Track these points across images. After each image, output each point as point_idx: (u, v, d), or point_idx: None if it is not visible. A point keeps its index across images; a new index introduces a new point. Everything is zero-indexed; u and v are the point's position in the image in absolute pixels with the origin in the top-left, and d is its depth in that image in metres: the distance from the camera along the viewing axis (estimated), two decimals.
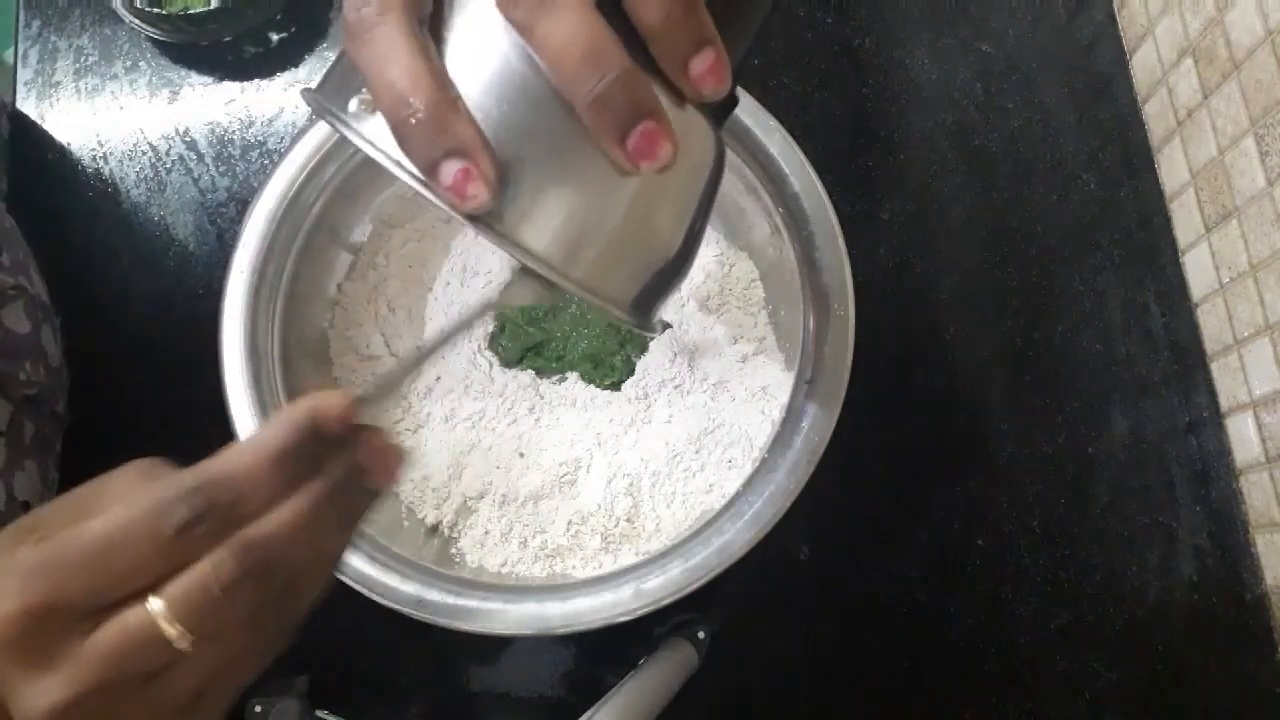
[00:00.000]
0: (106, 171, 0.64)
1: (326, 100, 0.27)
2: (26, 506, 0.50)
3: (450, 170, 0.24)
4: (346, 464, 0.25)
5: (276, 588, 0.24)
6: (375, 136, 0.26)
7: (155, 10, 0.62)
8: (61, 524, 0.23)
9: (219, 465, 0.24)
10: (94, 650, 0.22)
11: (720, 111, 0.31)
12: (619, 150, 0.25)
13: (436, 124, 0.24)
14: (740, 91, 0.50)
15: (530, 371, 0.55)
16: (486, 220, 0.25)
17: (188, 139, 0.64)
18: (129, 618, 0.22)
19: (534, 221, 0.26)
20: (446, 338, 0.31)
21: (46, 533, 0.23)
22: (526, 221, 0.26)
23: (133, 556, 0.22)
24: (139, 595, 0.22)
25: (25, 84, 0.66)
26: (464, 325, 0.33)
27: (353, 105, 0.26)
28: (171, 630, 0.22)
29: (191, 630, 0.22)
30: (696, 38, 0.26)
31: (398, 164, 0.25)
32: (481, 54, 0.25)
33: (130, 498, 0.23)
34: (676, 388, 0.54)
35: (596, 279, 0.28)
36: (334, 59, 0.28)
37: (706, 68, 0.26)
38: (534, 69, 0.25)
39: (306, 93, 0.28)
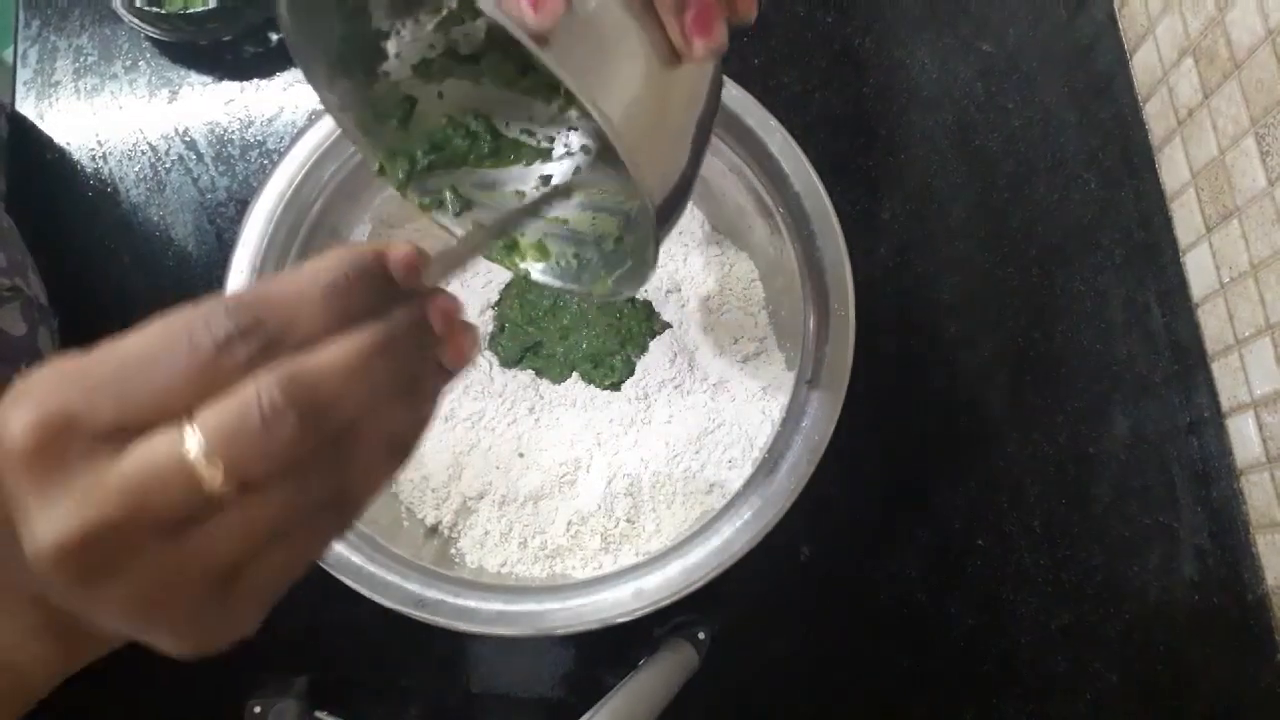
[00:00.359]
0: (106, 171, 0.64)
1: None
2: None
3: None
4: (412, 316, 0.22)
5: (326, 436, 0.20)
6: None
7: (155, 10, 0.62)
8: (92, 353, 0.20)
9: (268, 286, 0.21)
10: (114, 477, 0.19)
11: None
12: (677, 22, 0.26)
13: None
14: (740, 91, 0.50)
15: (530, 371, 0.55)
16: (552, 49, 0.25)
17: (187, 139, 0.64)
18: (157, 444, 0.19)
19: (595, 69, 0.26)
20: (535, 206, 0.30)
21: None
22: (589, 66, 0.26)
23: (168, 371, 0.19)
24: (172, 420, 0.19)
25: (25, 84, 0.66)
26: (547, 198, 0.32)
27: None
28: (205, 463, 0.19)
29: (229, 467, 0.19)
30: None
31: None
32: None
33: (170, 316, 0.20)
34: (676, 388, 0.54)
35: (643, 153, 0.28)
36: None
37: (695, 17, 0.27)
38: None
39: None
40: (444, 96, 0.40)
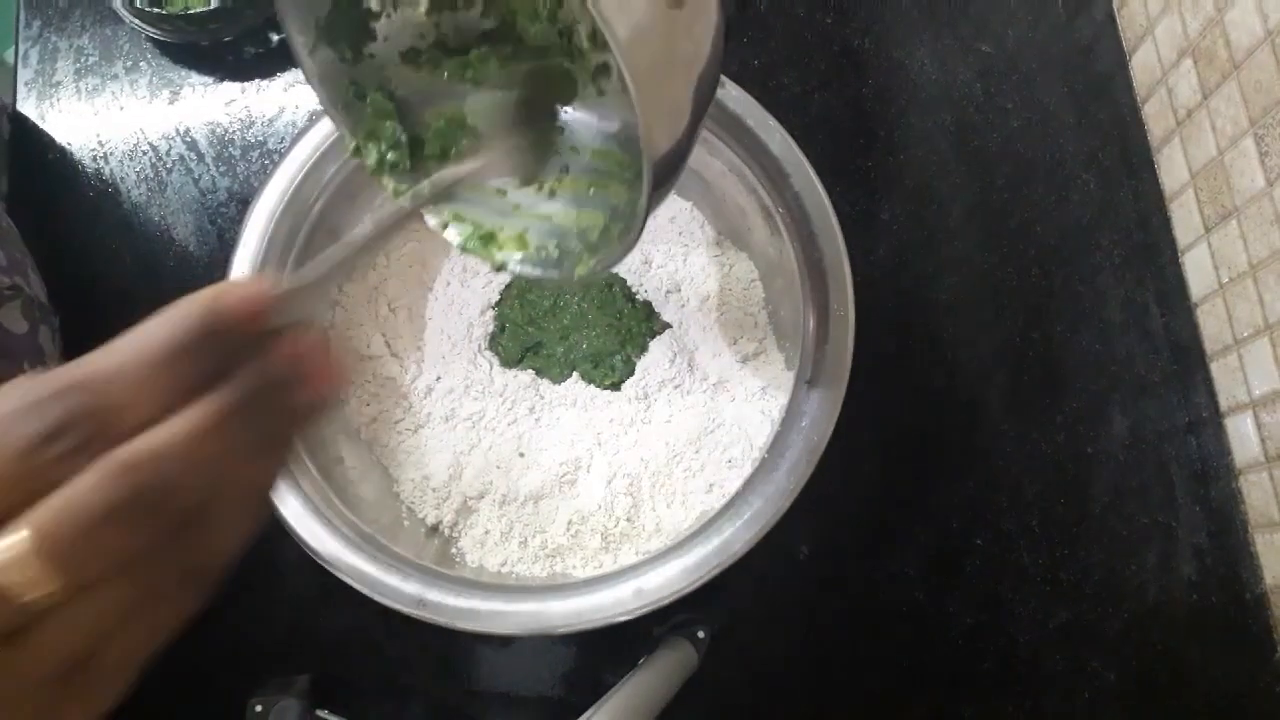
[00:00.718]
0: (107, 171, 0.64)
1: None
2: None
3: None
4: (261, 371, 0.20)
5: (172, 521, 0.18)
6: None
7: (155, 10, 0.62)
8: None
9: (91, 364, 0.18)
10: None
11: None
12: None
13: None
14: (740, 92, 0.51)
15: (530, 371, 0.56)
16: None
17: (188, 139, 0.65)
18: None
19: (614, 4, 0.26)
20: (381, 230, 0.30)
21: None
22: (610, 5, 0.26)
23: None
24: None
25: (26, 84, 0.66)
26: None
27: None
28: (32, 572, 0.17)
29: (60, 571, 0.17)
30: None
31: None
32: None
33: None
34: (676, 388, 0.54)
35: (647, 86, 0.28)
36: None
37: None
38: None
39: None
40: (428, 96, 0.39)
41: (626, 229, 0.35)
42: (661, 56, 0.29)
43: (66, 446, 0.17)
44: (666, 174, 0.31)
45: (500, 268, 0.39)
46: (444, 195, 0.39)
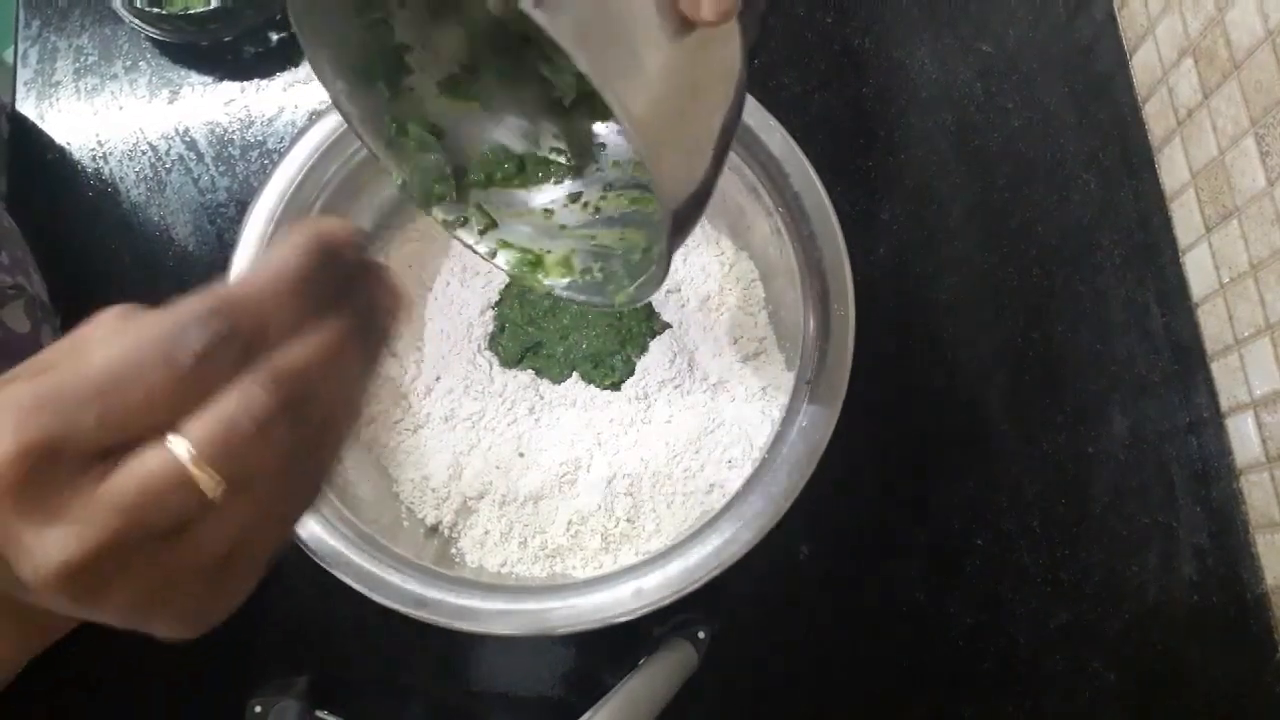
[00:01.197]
0: (106, 171, 0.64)
1: None
2: None
3: None
4: (365, 296, 0.23)
5: (310, 427, 0.21)
6: None
7: (155, 10, 0.62)
8: (46, 370, 0.20)
9: (236, 289, 0.20)
10: (110, 496, 0.19)
11: (749, 52, 0.31)
12: None
13: None
14: None
15: (530, 371, 0.55)
16: (552, 11, 0.24)
17: (188, 139, 0.64)
18: (149, 459, 0.19)
19: (609, 58, 0.25)
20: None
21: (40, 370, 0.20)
22: (603, 57, 0.25)
23: (147, 386, 0.19)
24: (157, 434, 0.19)
25: (25, 84, 0.66)
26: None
27: None
28: (200, 474, 0.19)
29: (222, 474, 0.19)
30: None
31: None
32: None
33: (135, 326, 0.20)
34: (676, 388, 0.54)
35: (660, 147, 0.27)
36: None
37: None
38: None
39: None
40: (467, 123, 0.39)
41: (660, 267, 0.35)
42: (678, 116, 0.28)
43: (227, 358, 0.19)
44: (688, 215, 0.30)
45: (548, 293, 0.39)
46: (489, 223, 0.39)
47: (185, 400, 0.19)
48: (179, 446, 0.19)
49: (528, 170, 0.40)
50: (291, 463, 0.20)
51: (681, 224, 0.30)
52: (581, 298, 0.39)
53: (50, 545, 0.19)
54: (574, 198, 0.40)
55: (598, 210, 0.40)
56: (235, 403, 0.19)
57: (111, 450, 0.19)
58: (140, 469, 0.19)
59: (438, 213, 0.39)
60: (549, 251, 0.39)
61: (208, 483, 0.19)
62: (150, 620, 0.21)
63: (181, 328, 0.19)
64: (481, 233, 0.39)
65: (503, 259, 0.40)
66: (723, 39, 0.28)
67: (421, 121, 0.38)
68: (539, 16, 0.24)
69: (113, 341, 0.19)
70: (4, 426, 0.18)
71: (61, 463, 0.19)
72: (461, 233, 0.40)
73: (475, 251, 0.40)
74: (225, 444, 0.19)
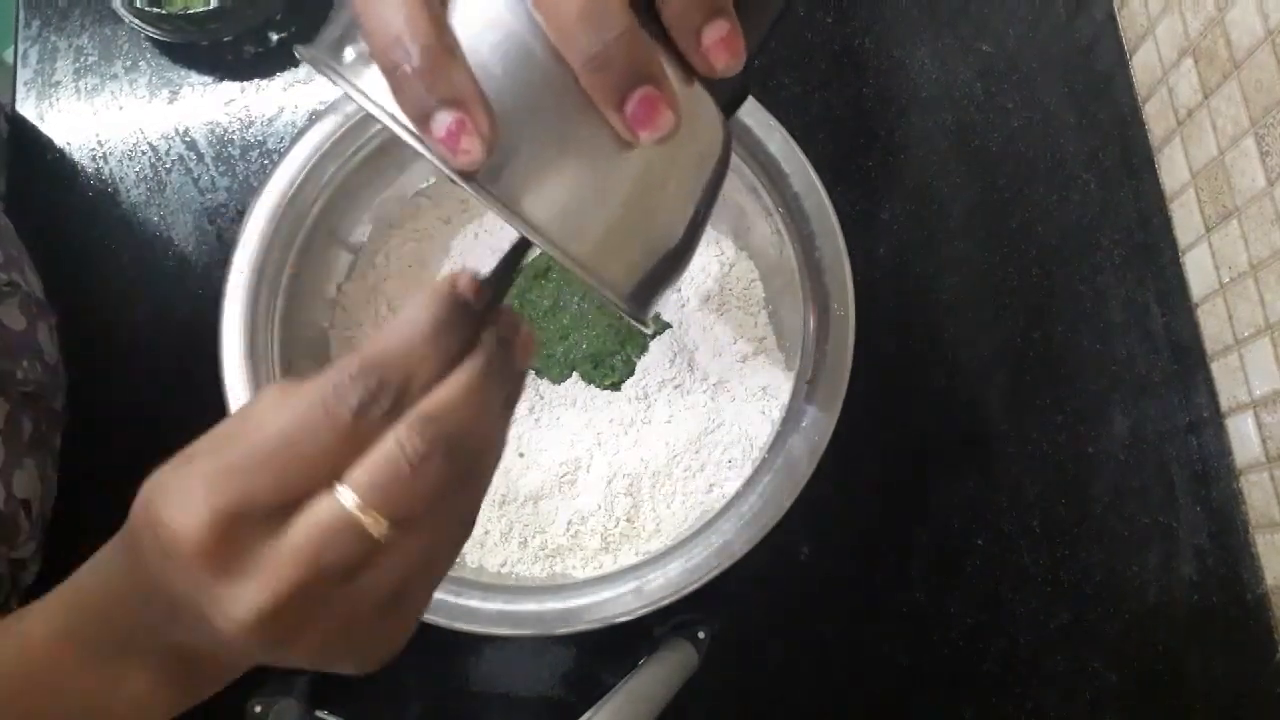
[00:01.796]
0: (106, 171, 0.64)
1: (321, 53, 0.26)
2: (26, 504, 0.50)
3: (443, 122, 0.23)
4: (495, 337, 0.24)
5: (462, 465, 0.23)
6: (370, 88, 0.24)
7: (155, 10, 0.62)
8: (223, 445, 0.22)
9: (380, 346, 0.23)
10: (290, 549, 0.21)
11: (730, 101, 0.30)
12: (617, 116, 0.24)
13: (431, 71, 0.23)
14: None
15: (530, 371, 0.55)
16: (480, 181, 0.24)
17: (187, 139, 0.64)
18: (320, 510, 0.21)
19: (533, 190, 0.25)
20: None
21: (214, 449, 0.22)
22: (525, 189, 0.24)
23: (315, 446, 0.21)
24: (326, 486, 0.22)
25: (25, 84, 0.66)
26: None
27: (349, 55, 0.25)
28: (366, 518, 0.21)
29: (386, 515, 0.21)
30: (712, 6, 0.25)
31: (391, 116, 0.24)
32: (483, 9, 0.24)
33: (294, 397, 0.22)
34: (676, 388, 0.54)
35: (596, 258, 0.26)
36: (332, 12, 0.27)
37: (720, 38, 0.25)
38: (534, 27, 0.24)
39: (299, 47, 0.27)
40: None
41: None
42: (631, 221, 0.27)
43: (381, 411, 0.22)
44: (661, 279, 0.29)
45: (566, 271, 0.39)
46: None
47: (348, 453, 0.22)
48: (345, 496, 0.21)
49: None
50: (446, 500, 0.22)
51: (653, 287, 0.29)
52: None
53: (242, 599, 0.21)
54: None
55: None
56: (391, 449, 0.22)
57: (288, 506, 0.22)
58: (313, 521, 0.21)
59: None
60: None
61: (373, 525, 0.21)
62: (335, 659, 0.23)
63: (337, 390, 0.22)
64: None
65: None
66: (691, 117, 0.27)
67: None
68: (466, 189, 0.24)
69: (280, 411, 0.22)
70: (197, 498, 0.21)
71: (247, 524, 0.21)
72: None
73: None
74: (386, 488, 0.21)
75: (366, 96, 0.24)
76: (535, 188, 0.25)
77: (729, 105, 0.30)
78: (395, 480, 0.21)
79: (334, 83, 0.25)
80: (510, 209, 0.24)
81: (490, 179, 0.24)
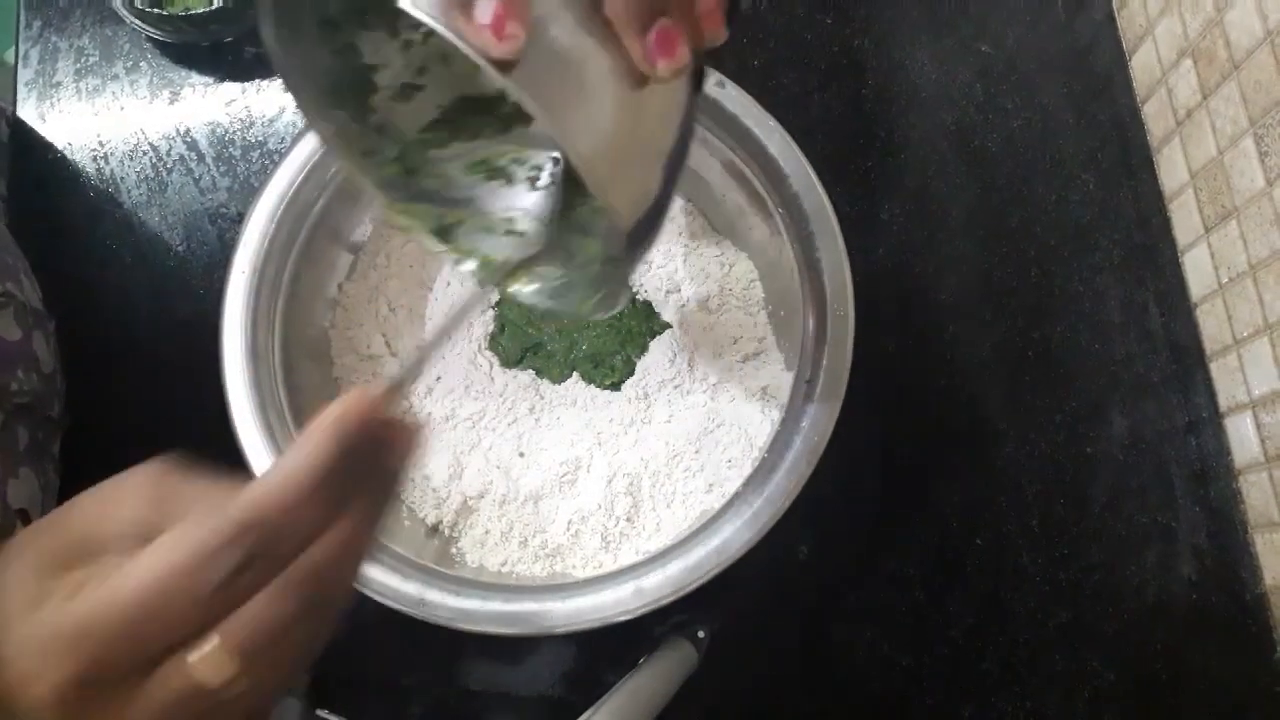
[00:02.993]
0: (107, 172, 0.64)
1: None
2: (23, 514, 0.50)
3: (487, 8, 0.23)
4: (382, 475, 0.24)
5: (330, 615, 0.23)
6: None
7: (156, 11, 0.62)
8: (80, 543, 0.22)
9: (257, 499, 0.22)
10: (148, 708, 0.21)
11: (695, 79, 0.32)
12: (638, 44, 0.25)
13: None
14: (740, 92, 0.51)
15: (530, 371, 0.56)
16: (515, 76, 0.24)
17: (188, 139, 0.65)
18: (180, 672, 0.21)
19: (560, 96, 0.26)
20: (455, 322, 0.30)
21: (71, 564, 0.22)
22: (553, 92, 0.25)
23: (177, 612, 0.21)
24: (185, 645, 0.22)
25: (26, 84, 0.66)
26: (468, 311, 0.32)
27: None
28: (225, 677, 0.21)
29: (247, 671, 0.22)
30: None
31: (426, 12, 0.24)
32: None
33: (165, 546, 0.22)
34: (676, 388, 0.54)
35: (609, 177, 0.27)
36: None
37: (709, 8, 0.27)
38: None
39: None
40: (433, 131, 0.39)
41: (617, 284, 0.36)
42: (626, 148, 0.28)
43: (250, 577, 0.22)
44: (642, 233, 0.31)
45: (513, 298, 0.40)
46: (450, 234, 0.40)
47: (211, 617, 0.22)
48: (209, 651, 0.21)
49: (491, 171, 0.41)
50: (300, 639, 0.23)
51: (637, 241, 0.31)
52: (549, 303, 0.40)
53: None
54: (525, 213, 0.41)
55: (559, 219, 0.40)
56: (260, 615, 0.22)
57: (144, 666, 0.21)
58: (175, 680, 0.21)
59: (399, 218, 0.40)
60: (509, 258, 0.40)
61: (233, 678, 0.22)
62: None
63: (208, 557, 0.21)
64: (443, 244, 0.40)
65: (469, 265, 0.40)
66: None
67: (387, 143, 0.38)
68: (489, 68, 0.24)
69: (146, 561, 0.22)
70: (55, 656, 0.21)
71: (106, 684, 0.21)
72: (424, 240, 0.40)
73: (442, 257, 0.40)
74: (251, 648, 0.22)
75: None
76: (561, 94, 0.26)
77: (695, 82, 0.32)
78: (262, 643, 0.22)
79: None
80: (542, 104, 0.25)
81: (522, 75, 0.24)
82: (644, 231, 0.31)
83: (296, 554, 0.22)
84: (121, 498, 0.23)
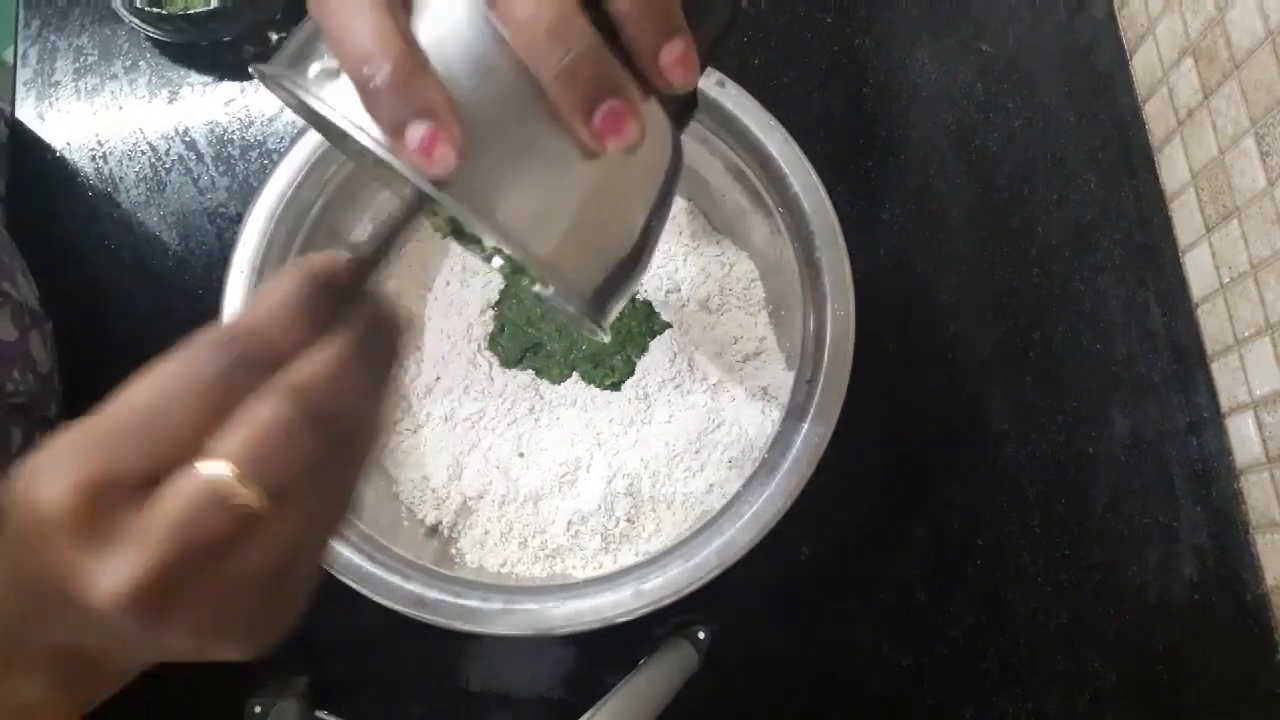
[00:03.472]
0: (106, 171, 0.64)
1: (282, 70, 0.26)
2: None
3: (418, 132, 0.23)
4: (364, 315, 0.24)
5: (330, 436, 0.22)
6: (336, 101, 0.25)
7: (155, 10, 0.62)
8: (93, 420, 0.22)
9: (245, 317, 0.22)
10: (160, 519, 0.20)
11: (681, 113, 0.31)
12: (584, 128, 0.25)
13: (404, 84, 0.23)
14: (740, 91, 0.50)
15: (530, 371, 0.55)
16: (451, 190, 0.24)
17: (187, 139, 0.64)
18: (192, 478, 0.21)
19: (499, 195, 0.25)
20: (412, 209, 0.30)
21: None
22: (492, 194, 0.25)
23: (181, 412, 0.21)
24: (195, 456, 0.21)
25: (25, 84, 0.66)
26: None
27: (313, 70, 0.25)
28: (238, 486, 0.20)
29: (259, 484, 0.21)
30: (668, 26, 0.26)
31: (360, 128, 0.24)
32: (448, 25, 0.25)
33: (160, 368, 0.22)
34: (676, 388, 0.54)
35: (559, 260, 0.27)
36: (294, 31, 0.27)
37: (676, 57, 0.26)
38: (501, 43, 0.25)
39: (255, 66, 0.27)
40: None
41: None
42: (595, 221, 0.28)
43: (247, 378, 0.21)
44: (616, 286, 0.30)
45: (537, 297, 0.39)
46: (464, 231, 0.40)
47: (215, 421, 0.21)
48: (215, 465, 0.21)
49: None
50: (321, 474, 0.22)
51: (608, 294, 0.30)
52: (569, 307, 0.39)
53: (112, 571, 0.20)
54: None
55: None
56: (259, 415, 0.21)
57: (157, 477, 0.21)
58: (185, 490, 0.20)
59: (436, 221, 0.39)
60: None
61: (246, 495, 0.21)
62: (216, 641, 0.22)
63: (200, 358, 0.21)
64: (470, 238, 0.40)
65: (498, 261, 0.40)
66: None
67: None
68: (426, 186, 0.24)
69: (143, 383, 0.21)
70: (57, 469, 0.20)
71: (113, 494, 0.20)
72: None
73: (472, 252, 0.40)
74: (256, 455, 0.21)
75: (333, 110, 0.25)
76: (502, 193, 0.25)
77: (680, 115, 0.31)
78: (266, 449, 0.21)
79: (298, 97, 0.26)
80: (480, 214, 0.25)
81: (459, 188, 0.24)
82: (618, 281, 0.30)
83: (290, 365, 0.22)
84: (125, 387, 0.23)
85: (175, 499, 0.20)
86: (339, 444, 0.23)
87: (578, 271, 0.28)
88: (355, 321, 0.23)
